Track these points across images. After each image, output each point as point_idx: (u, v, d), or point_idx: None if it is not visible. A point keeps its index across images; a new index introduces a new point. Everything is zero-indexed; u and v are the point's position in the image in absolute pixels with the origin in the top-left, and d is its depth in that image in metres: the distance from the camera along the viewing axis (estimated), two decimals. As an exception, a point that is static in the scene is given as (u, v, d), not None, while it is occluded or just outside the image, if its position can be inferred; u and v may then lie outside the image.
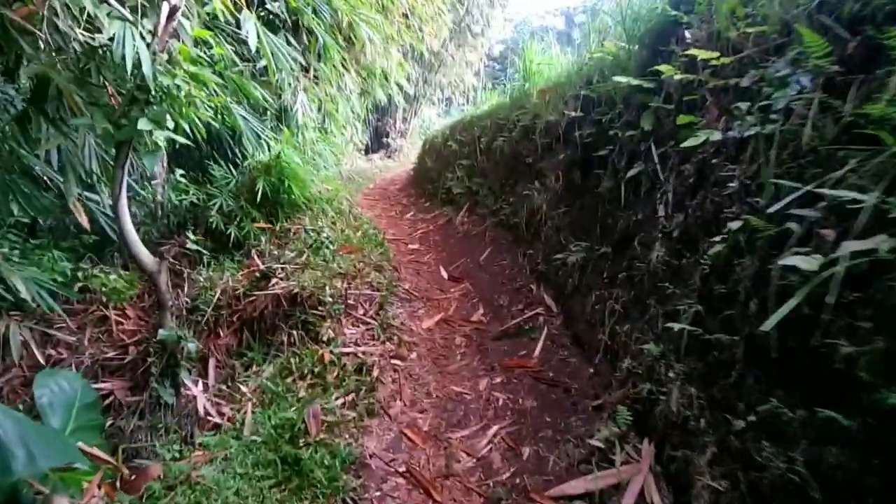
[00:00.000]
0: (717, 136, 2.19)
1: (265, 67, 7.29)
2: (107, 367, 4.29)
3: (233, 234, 5.53)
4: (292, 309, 4.22)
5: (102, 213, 4.84)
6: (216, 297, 4.68)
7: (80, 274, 4.57)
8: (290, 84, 7.50)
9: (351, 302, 4.14)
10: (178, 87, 3.57)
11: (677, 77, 2.58)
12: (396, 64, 10.10)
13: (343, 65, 9.00)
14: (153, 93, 3.53)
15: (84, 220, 4.25)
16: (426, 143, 10.26)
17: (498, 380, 3.33)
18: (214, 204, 5.68)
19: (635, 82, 2.94)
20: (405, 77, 11.17)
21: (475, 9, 17.04)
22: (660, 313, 2.55)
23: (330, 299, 4.09)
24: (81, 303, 4.63)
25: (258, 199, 5.68)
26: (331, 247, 5.05)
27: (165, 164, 6.20)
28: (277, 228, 5.82)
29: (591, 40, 4.56)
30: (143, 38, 3.46)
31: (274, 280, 4.62)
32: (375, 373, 3.37)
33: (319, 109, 8.74)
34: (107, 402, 4.05)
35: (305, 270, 4.56)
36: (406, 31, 9.62)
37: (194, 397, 3.92)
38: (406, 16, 9.35)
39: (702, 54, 2.34)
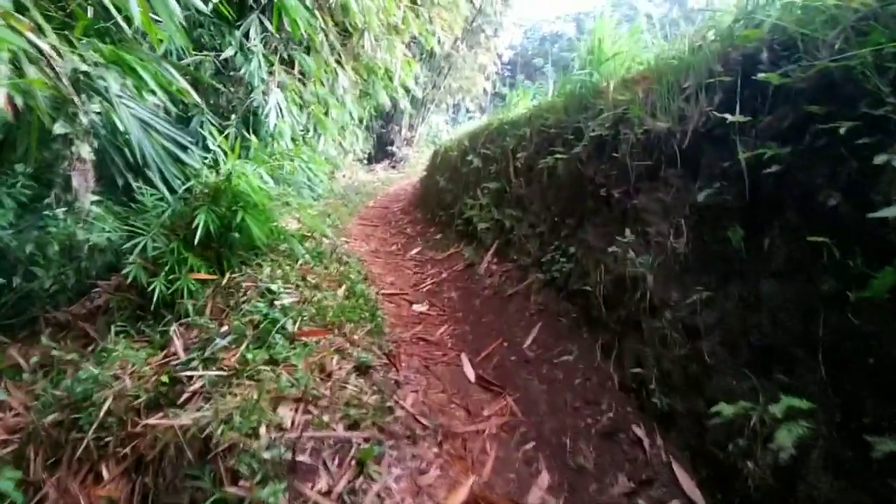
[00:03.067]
0: None
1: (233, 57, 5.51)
2: None
3: (157, 292, 3.65)
4: (200, 467, 2.32)
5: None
6: (102, 410, 2.79)
7: None
8: (260, 79, 5.66)
9: (304, 460, 2.23)
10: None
11: None
12: (402, 61, 8.26)
13: (337, 60, 7.17)
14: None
15: None
16: (437, 155, 8.37)
17: None
18: (136, 246, 3.82)
19: None
20: (412, 78, 9.37)
21: (489, 7, 15.36)
22: None
23: (266, 455, 2.18)
24: None
25: (198, 239, 3.83)
26: (290, 326, 3.14)
27: (92, 180, 4.37)
28: (224, 281, 3.94)
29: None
30: None
31: (186, 394, 2.73)
32: None
33: (304, 113, 6.91)
34: None
35: (236, 381, 2.66)
36: (414, 19, 7.75)
37: None
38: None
39: None
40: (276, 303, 3.42)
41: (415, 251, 5.84)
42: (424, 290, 4.62)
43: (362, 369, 2.95)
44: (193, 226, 3.89)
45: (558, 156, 3.66)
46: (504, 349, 3.34)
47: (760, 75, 1.92)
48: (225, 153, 4.57)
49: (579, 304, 3.28)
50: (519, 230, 4.41)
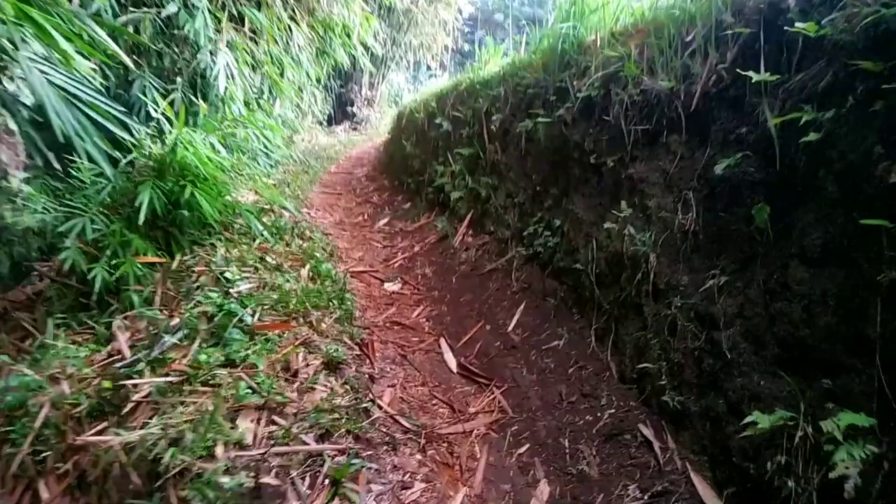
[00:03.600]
0: None
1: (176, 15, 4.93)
2: None
3: (98, 280, 3.23)
4: (148, 492, 2.00)
5: None
6: (38, 421, 2.42)
7: None
8: (207, 38, 5.11)
9: (269, 482, 1.93)
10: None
11: None
12: (360, 17, 7.70)
13: (291, 16, 6.58)
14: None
15: None
16: (401, 116, 7.91)
17: None
18: (73, 228, 3.38)
19: None
20: (371, 34, 8.79)
21: (448, -42, 14.64)
22: None
23: (224, 481, 1.87)
24: None
25: (142, 218, 3.40)
26: (248, 318, 2.79)
27: (23, 154, 3.89)
28: (174, 265, 3.54)
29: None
30: None
31: (131, 403, 2.38)
32: None
33: (258, 74, 6.37)
34: None
35: (188, 388, 2.32)
36: None
37: None
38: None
39: None
40: (233, 291, 3.06)
41: (383, 222, 5.48)
42: (396, 265, 4.30)
43: (332, 365, 2.64)
44: (136, 204, 3.45)
45: (540, 119, 3.33)
46: (486, 333, 3.07)
47: (798, 25, 1.61)
48: (170, 121, 4.08)
49: (567, 284, 3.02)
50: (496, 200, 4.10)
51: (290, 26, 6.43)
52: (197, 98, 5.20)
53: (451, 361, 2.84)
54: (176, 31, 5.04)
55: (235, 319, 2.73)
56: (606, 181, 2.80)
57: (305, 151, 10.62)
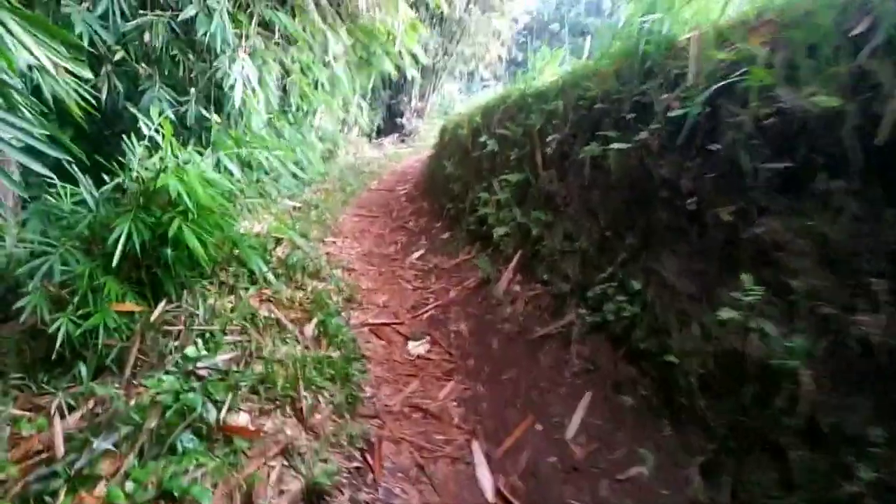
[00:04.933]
0: None
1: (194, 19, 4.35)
2: None
3: (62, 332, 2.59)
4: None
5: None
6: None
7: None
8: (225, 44, 4.51)
9: None
10: None
11: None
12: (407, 24, 7.04)
13: (329, 21, 5.98)
14: None
15: None
16: (444, 132, 7.16)
17: None
18: (38, 268, 2.78)
19: None
20: (419, 43, 8.15)
21: (503, -35, 14.00)
22: None
23: None
24: None
25: (117, 258, 2.75)
26: (213, 411, 2.07)
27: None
28: (154, 315, 2.88)
29: None
30: None
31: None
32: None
33: (284, 86, 5.77)
34: None
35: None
36: None
37: None
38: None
39: None
40: (202, 365, 2.35)
41: (416, 255, 4.72)
42: (425, 317, 3.53)
43: (316, 494, 1.88)
44: (114, 238, 2.81)
45: (615, 145, 2.49)
46: (537, 437, 2.25)
47: None
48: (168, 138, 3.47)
49: (652, 376, 2.16)
50: (550, 241, 3.27)
51: (324, 32, 5.79)
52: (210, 111, 4.61)
53: (487, 482, 2.03)
54: (194, 38, 4.46)
55: (192, 418, 2.01)
56: (714, 238, 1.94)
57: (347, 166, 10.05)
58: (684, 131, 2.15)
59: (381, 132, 15.76)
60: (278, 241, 4.04)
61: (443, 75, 16.23)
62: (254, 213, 4.91)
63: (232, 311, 2.93)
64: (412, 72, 8.12)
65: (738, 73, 1.87)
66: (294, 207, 5.55)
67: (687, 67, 2.23)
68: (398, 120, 16.43)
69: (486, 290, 3.62)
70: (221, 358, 2.45)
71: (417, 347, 3.13)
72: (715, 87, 1.98)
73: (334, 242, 5.00)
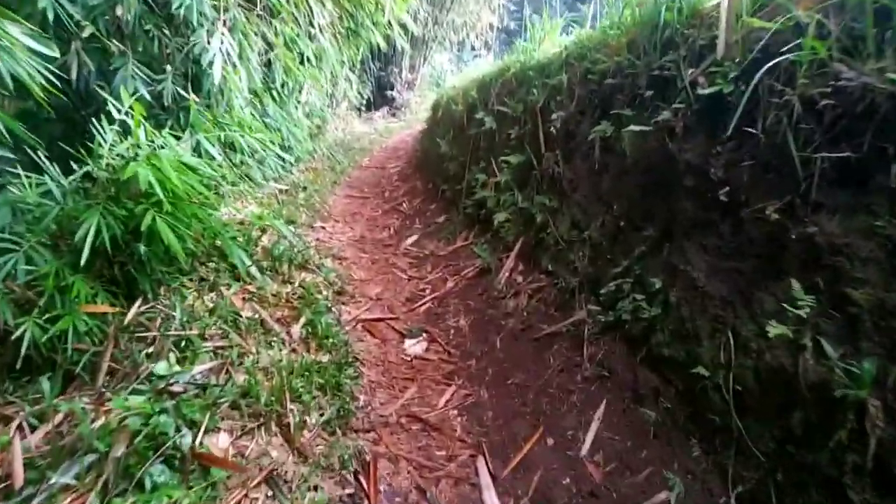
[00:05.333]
0: None
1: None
2: None
3: (27, 338, 2.32)
4: None
5: None
6: None
7: None
8: (202, 17, 4.16)
9: None
10: None
11: None
12: (396, -7, 6.65)
13: (313, -10, 5.60)
14: None
15: None
16: (437, 107, 6.83)
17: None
18: (2, 266, 2.51)
19: None
20: (407, 12, 7.77)
21: (494, -70, 13.46)
22: None
23: None
24: None
25: (85, 256, 2.49)
26: (188, 437, 1.84)
27: None
28: (130, 315, 2.64)
29: None
30: None
31: None
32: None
33: (267, 61, 5.42)
34: None
35: None
36: None
37: None
38: None
39: None
40: (176, 381, 2.11)
41: (411, 240, 4.47)
42: (422, 309, 3.30)
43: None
44: (81, 234, 2.54)
45: (632, 127, 2.22)
46: (548, 453, 2.03)
47: None
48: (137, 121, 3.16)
49: (679, 388, 1.94)
50: (555, 228, 3.02)
51: (308, 3, 5.42)
52: (188, 90, 4.28)
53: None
54: (170, 11, 4.10)
55: (167, 447, 1.78)
56: (753, 236, 1.70)
57: (337, 142, 9.69)
58: (714, 112, 1.89)
59: (371, 106, 15.32)
60: (263, 230, 3.77)
61: (433, 46, 15.74)
62: (238, 199, 4.63)
63: (212, 311, 2.68)
64: (401, 42, 7.76)
65: (781, 45, 1.61)
66: (281, 190, 5.26)
67: (715, 38, 1.96)
68: (388, 93, 15.98)
69: (487, 281, 3.38)
70: (199, 369, 2.22)
71: (414, 346, 2.90)
72: (753, 60, 1.72)
73: (324, 228, 4.73)
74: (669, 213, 2.15)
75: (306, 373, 2.37)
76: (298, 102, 7.51)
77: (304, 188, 5.61)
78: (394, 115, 15.82)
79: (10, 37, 2.46)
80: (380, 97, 15.85)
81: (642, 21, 2.52)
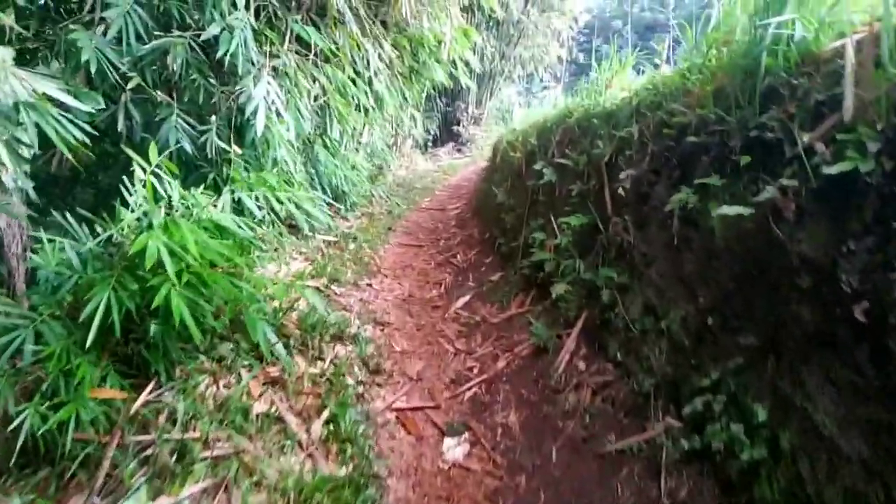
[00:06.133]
0: None
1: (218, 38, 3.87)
2: None
3: (24, 429, 2.08)
4: None
5: None
6: None
7: None
8: (249, 63, 4.02)
9: None
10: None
11: None
12: (457, 32, 6.40)
13: (370, 32, 5.42)
14: None
15: None
16: (496, 151, 6.44)
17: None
18: (7, 345, 2.32)
19: None
20: (472, 49, 7.54)
21: (563, -38, 13.20)
22: None
23: None
24: None
25: (91, 337, 2.25)
26: None
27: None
28: (137, 404, 2.38)
29: None
30: None
31: None
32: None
33: (320, 106, 5.24)
34: None
35: None
36: None
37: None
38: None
39: None
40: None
41: (461, 302, 4.05)
42: (467, 396, 2.86)
43: None
44: (88, 312, 2.31)
45: (725, 209, 1.73)
46: None
47: None
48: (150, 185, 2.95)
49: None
50: (626, 309, 2.52)
51: (360, 44, 5.21)
52: (230, 140, 4.10)
53: None
54: (216, 59, 3.96)
55: None
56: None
57: (397, 183, 9.52)
58: (843, 194, 1.38)
59: (437, 141, 15.28)
60: (296, 298, 3.47)
61: (500, 80, 15.56)
62: (279, 256, 4.39)
63: (221, 406, 2.36)
64: (465, 80, 7.49)
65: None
66: (329, 243, 5.01)
67: (840, 93, 1.46)
68: (454, 128, 15.90)
69: (543, 363, 2.91)
70: (189, 492, 1.88)
71: (455, 449, 2.46)
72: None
73: (370, 285, 4.40)
74: (775, 318, 1.63)
75: (316, 492, 1.98)
76: (360, 144, 7.37)
77: (355, 238, 5.34)
78: (459, 150, 15.68)
79: (36, 94, 2.31)
80: (446, 132, 15.79)
81: (732, 65, 2.04)
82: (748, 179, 1.77)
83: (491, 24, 12.66)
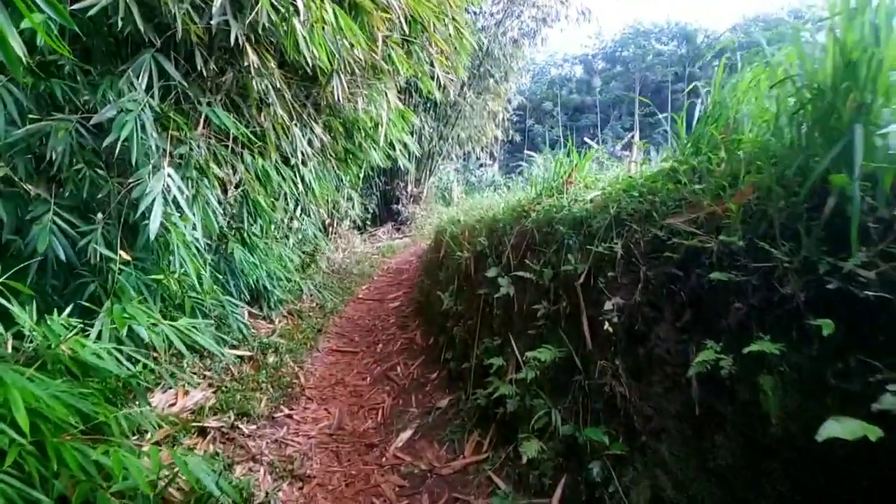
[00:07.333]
0: None
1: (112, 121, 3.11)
2: None
3: None
4: None
5: None
6: None
7: None
8: (148, 153, 3.29)
9: None
10: None
11: None
12: (395, 114, 5.90)
13: (295, 110, 4.81)
14: None
15: None
16: (438, 242, 5.83)
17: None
18: None
19: None
20: (411, 132, 7.12)
21: (496, 48, 13.44)
22: None
23: None
24: None
25: None
26: None
27: None
28: None
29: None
30: None
31: None
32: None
33: (238, 199, 4.54)
34: None
35: None
36: (404, 59, 5.35)
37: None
38: (403, 28, 5.03)
39: None
40: None
41: (404, 439, 3.27)
42: None
43: None
44: None
45: (840, 431, 1.11)
46: None
47: None
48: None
49: None
50: (625, 492, 1.85)
51: (287, 128, 4.60)
52: (116, 245, 3.29)
53: None
54: (109, 146, 3.20)
55: None
56: None
57: (332, 269, 8.75)
58: None
59: (376, 220, 14.80)
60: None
61: (438, 159, 15.42)
62: (176, 383, 3.53)
63: None
64: (403, 161, 7.03)
65: None
66: (242, 358, 4.16)
67: None
68: (394, 206, 15.52)
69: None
70: None
71: None
72: None
73: (290, 416, 3.57)
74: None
75: None
76: (290, 231, 6.65)
77: (276, 349, 4.51)
78: (398, 229, 15.25)
79: None
80: (385, 211, 15.41)
81: (759, 169, 1.50)
82: (802, 336, 1.18)
83: (429, 105, 12.60)
